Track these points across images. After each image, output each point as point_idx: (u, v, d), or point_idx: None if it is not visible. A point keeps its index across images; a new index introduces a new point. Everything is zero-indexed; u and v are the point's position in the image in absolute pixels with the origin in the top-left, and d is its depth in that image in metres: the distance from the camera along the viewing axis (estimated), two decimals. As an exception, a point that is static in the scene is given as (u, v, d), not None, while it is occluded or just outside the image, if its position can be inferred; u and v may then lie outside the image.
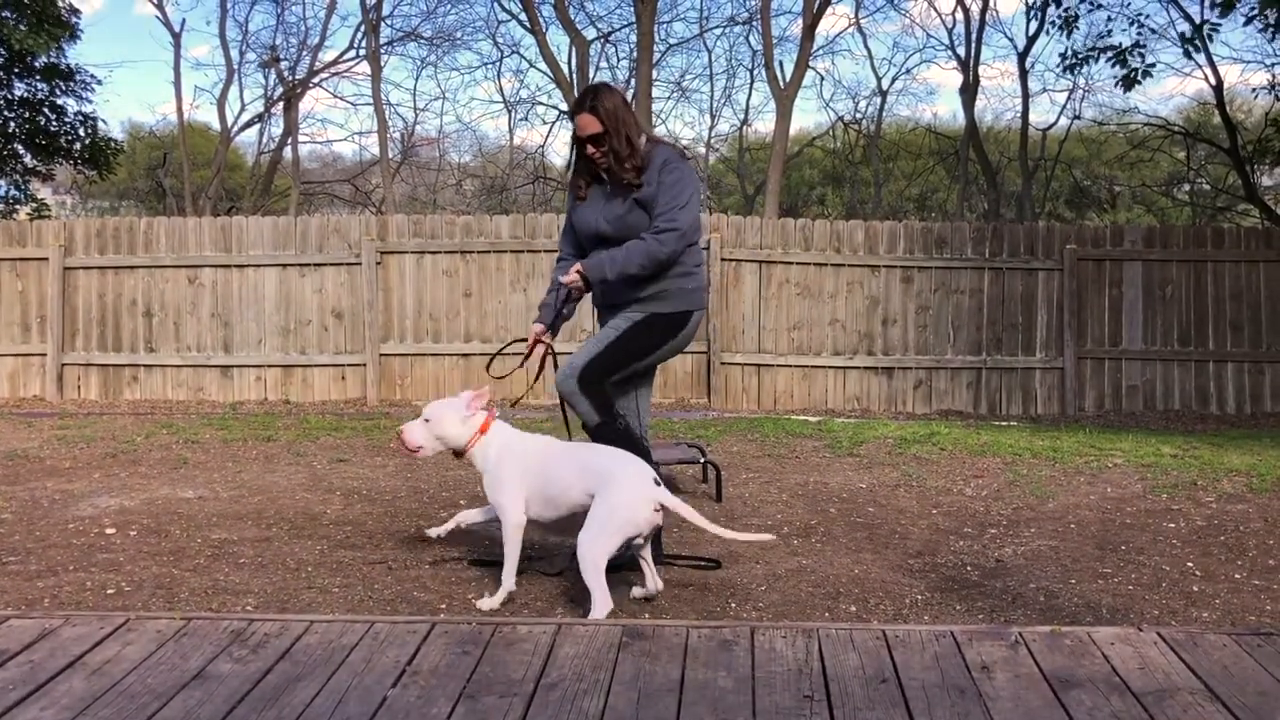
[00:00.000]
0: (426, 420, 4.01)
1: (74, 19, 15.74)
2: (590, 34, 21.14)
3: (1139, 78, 12.00)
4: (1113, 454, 6.81)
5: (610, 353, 4.19)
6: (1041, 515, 5.30)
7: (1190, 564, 4.48)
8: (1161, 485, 5.89)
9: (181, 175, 23.66)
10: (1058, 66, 13.15)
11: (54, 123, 16.51)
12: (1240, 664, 2.81)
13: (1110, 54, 12.07)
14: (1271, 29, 11.35)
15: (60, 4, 15.10)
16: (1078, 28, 12.54)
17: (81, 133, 16.72)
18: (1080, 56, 12.36)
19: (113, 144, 17.39)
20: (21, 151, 16.40)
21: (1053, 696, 2.61)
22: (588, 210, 4.21)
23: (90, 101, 16.93)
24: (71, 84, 16.46)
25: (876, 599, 4.01)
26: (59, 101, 16.51)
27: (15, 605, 3.78)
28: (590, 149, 4.08)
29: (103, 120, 18.43)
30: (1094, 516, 5.27)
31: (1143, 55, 12.04)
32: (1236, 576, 4.32)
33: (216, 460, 6.71)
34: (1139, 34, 12.27)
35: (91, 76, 16.77)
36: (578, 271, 4.14)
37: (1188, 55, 12.06)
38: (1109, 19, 13.63)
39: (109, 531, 4.91)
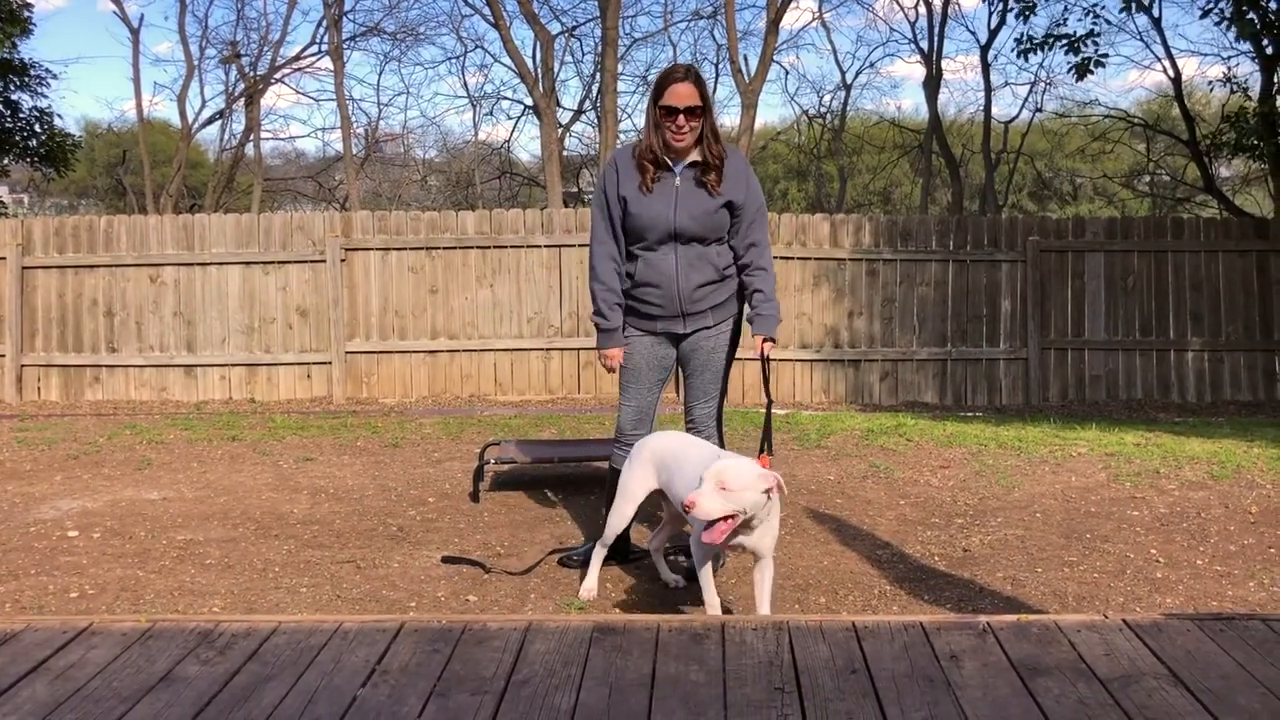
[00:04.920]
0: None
1: (27, 13, 15.47)
2: (554, 28, 21.05)
3: (1091, 66, 12.17)
4: (1077, 443, 6.89)
5: (725, 383, 4.13)
6: (1007, 505, 5.35)
7: (1154, 551, 4.54)
8: (1125, 474, 5.96)
9: (142, 173, 23.35)
10: (1012, 50, 13.28)
11: (8, 119, 16.23)
12: (1203, 648, 2.85)
13: (1064, 41, 12.23)
14: (1228, 21, 11.50)
15: (13, 1, 14.83)
16: (1035, 14, 12.72)
17: (38, 129, 16.44)
18: (1035, 42, 12.52)
19: (70, 140, 17.12)
20: (-27, 149, 16.09)
21: (1020, 684, 2.63)
22: (657, 202, 3.94)
23: (45, 97, 16.56)
24: (26, 79, 16.16)
25: (845, 590, 4.04)
26: (13, 97, 16.22)
27: (-24, 610, 3.72)
28: (683, 120, 3.87)
29: (59, 116, 18.09)
30: (1059, 505, 5.33)
31: (1096, 43, 12.21)
32: (1199, 562, 4.38)
33: (181, 461, 6.64)
34: (1094, 24, 12.44)
35: (47, 71, 16.49)
36: (767, 339, 3.90)
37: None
38: (1065, 9, 13.82)
39: (71, 534, 4.85)
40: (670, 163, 3.96)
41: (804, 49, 35.95)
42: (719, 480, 3.24)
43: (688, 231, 3.94)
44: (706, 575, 3.53)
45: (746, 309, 4.09)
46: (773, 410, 4.08)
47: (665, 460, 3.77)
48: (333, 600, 3.91)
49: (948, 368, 10.40)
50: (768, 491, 3.30)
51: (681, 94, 3.87)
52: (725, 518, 3.25)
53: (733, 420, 7.65)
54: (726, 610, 3.68)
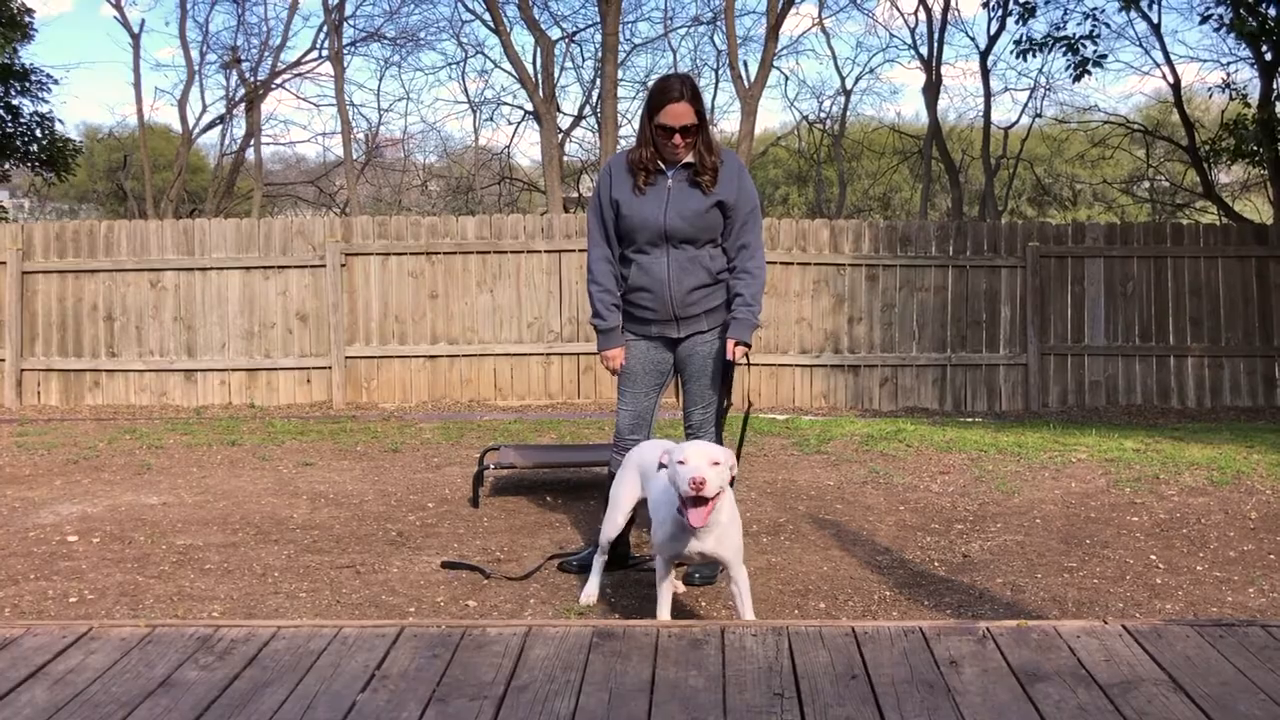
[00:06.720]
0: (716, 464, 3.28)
1: (28, 19, 15.50)
2: (555, 34, 21.10)
3: (1089, 68, 12.20)
4: (1076, 449, 6.88)
5: (725, 389, 4.10)
6: (1007, 510, 5.35)
7: (1153, 557, 4.54)
8: (1124, 479, 5.96)
9: (142, 177, 23.36)
10: (1011, 52, 13.30)
11: (9, 124, 16.24)
12: (1203, 654, 2.85)
13: (1063, 43, 12.26)
14: (1227, 27, 11.52)
15: (12, 5, 14.85)
16: (1034, 17, 12.74)
17: (38, 134, 16.45)
18: (1035, 43, 12.55)
19: (71, 145, 17.14)
20: (-26, 154, 16.09)
21: (1020, 690, 2.63)
22: (649, 204, 3.95)
23: (46, 102, 16.57)
24: (27, 84, 16.19)
25: (845, 596, 4.04)
26: (14, 102, 16.24)
27: (-25, 615, 3.72)
28: (679, 139, 3.87)
29: (60, 121, 18.10)
30: (1059, 511, 5.33)
31: (1095, 44, 12.24)
32: (1198, 568, 4.38)
33: (181, 465, 6.64)
34: (1093, 27, 12.46)
35: (48, 76, 16.51)
36: (740, 343, 3.92)
37: None
38: (1064, 13, 13.85)
39: (71, 539, 4.85)
40: (664, 167, 3.97)
41: (804, 55, 36.09)
42: (709, 457, 3.24)
43: (678, 232, 3.94)
44: (666, 588, 3.49)
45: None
46: (749, 414, 4.09)
47: (646, 470, 3.76)
48: (332, 605, 3.91)
49: (947, 373, 10.40)
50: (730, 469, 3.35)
51: (678, 113, 3.85)
52: (712, 498, 3.24)
53: (733, 425, 7.64)
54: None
